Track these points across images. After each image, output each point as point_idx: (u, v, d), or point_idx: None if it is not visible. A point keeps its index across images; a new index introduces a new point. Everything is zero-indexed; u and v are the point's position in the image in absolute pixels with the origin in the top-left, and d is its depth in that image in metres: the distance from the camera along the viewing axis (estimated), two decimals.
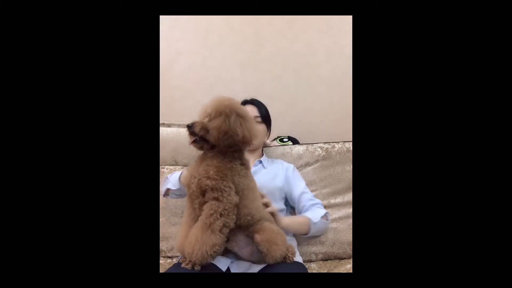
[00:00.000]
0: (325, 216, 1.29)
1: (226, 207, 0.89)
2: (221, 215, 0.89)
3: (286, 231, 1.16)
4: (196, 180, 0.93)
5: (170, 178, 1.25)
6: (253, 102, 1.40)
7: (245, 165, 0.99)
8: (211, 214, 0.89)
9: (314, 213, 1.26)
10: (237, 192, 0.93)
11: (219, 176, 0.90)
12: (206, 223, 0.88)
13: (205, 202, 0.92)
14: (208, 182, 0.90)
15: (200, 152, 1.01)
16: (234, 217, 0.92)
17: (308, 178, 1.46)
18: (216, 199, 0.90)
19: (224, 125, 0.92)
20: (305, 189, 1.33)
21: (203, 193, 0.92)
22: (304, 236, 1.30)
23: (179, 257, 1.19)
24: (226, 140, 0.92)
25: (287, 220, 1.19)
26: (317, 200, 1.33)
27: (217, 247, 0.89)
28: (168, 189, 1.23)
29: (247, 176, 0.99)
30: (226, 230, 0.91)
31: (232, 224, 0.92)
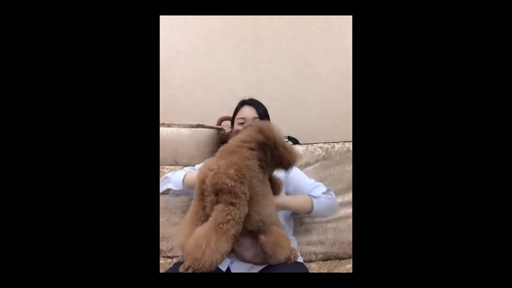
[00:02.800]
0: (327, 192, 1.24)
1: (241, 216, 0.86)
2: (237, 223, 0.85)
3: (285, 209, 1.18)
4: (212, 173, 0.87)
5: (171, 178, 1.21)
6: (250, 102, 1.38)
7: (263, 168, 0.95)
8: (229, 220, 0.83)
9: (315, 190, 1.24)
10: (250, 197, 0.89)
11: (238, 177, 0.85)
12: (221, 228, 0.83)
13: (217, 202, 0.87)
14: (227, 181, 0.84)
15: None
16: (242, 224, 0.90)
17: None
18: (233, 204, 0.84)
19: (293, 150, 0.97)
20: (311, 181, 1.30)
21: (216, 191, 0.87)
22: (314, 216, 1.35)
23: (180, 257, 1.18)
24: (288, 165, 0.96)
25: (282, 197, 1.15)
26: (319, 183, 1.29)
27: (225, 255, 0.85)
28: (168, 189, 1.20)
29: (263, 181, 0.95)
30: (236, 238, 0.88)
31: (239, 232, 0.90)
